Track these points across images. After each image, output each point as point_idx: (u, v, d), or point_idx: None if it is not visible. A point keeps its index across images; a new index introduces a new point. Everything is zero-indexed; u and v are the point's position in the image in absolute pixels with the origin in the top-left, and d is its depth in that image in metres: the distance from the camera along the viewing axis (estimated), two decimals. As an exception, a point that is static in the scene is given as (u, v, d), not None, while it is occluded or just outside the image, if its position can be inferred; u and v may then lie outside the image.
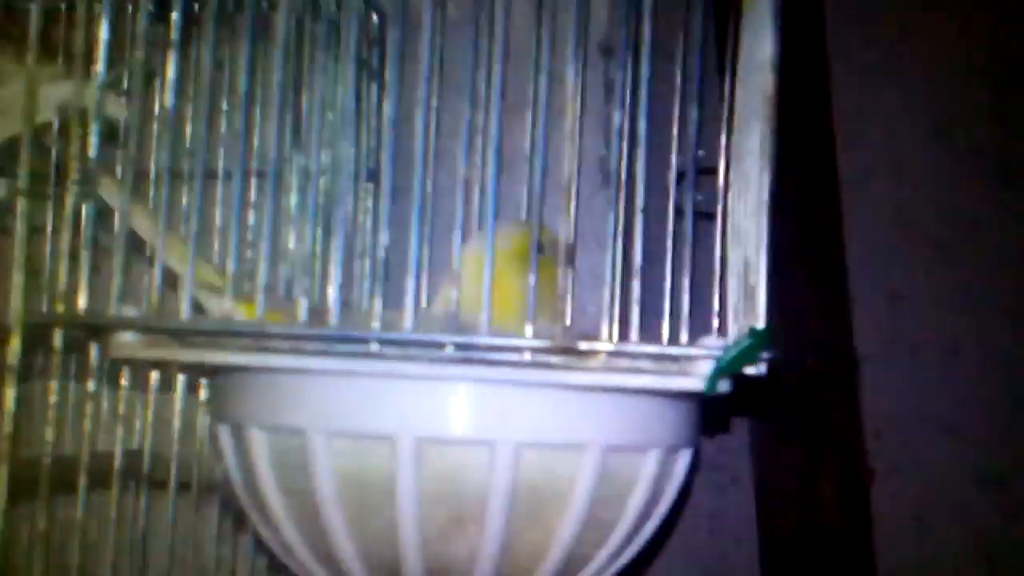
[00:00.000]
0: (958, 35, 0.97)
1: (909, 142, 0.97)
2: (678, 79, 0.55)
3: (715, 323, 0.53)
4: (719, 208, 0.56)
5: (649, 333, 0.50)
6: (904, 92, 0.96)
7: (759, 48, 0.50)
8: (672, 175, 0.58)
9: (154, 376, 0.62)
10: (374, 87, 0.75)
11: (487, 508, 0.52)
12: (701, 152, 0.57)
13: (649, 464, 0.54)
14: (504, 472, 0.51)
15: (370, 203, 0.72)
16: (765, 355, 0.47)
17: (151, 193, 0.61)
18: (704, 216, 0.55)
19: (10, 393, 0.47)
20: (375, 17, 0.75)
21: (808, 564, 0.93)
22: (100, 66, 0.51)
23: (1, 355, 0.50)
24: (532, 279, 0.50)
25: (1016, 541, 0.96)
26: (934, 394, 0.96)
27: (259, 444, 0.54)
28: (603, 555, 0.56)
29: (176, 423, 0.60)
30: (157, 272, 0.52)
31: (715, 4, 0.57)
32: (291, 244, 0.64)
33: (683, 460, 0.57)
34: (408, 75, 0.61)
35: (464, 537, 0.53)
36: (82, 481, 0.51)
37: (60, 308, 0.50)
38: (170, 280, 0.52)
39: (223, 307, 0.51)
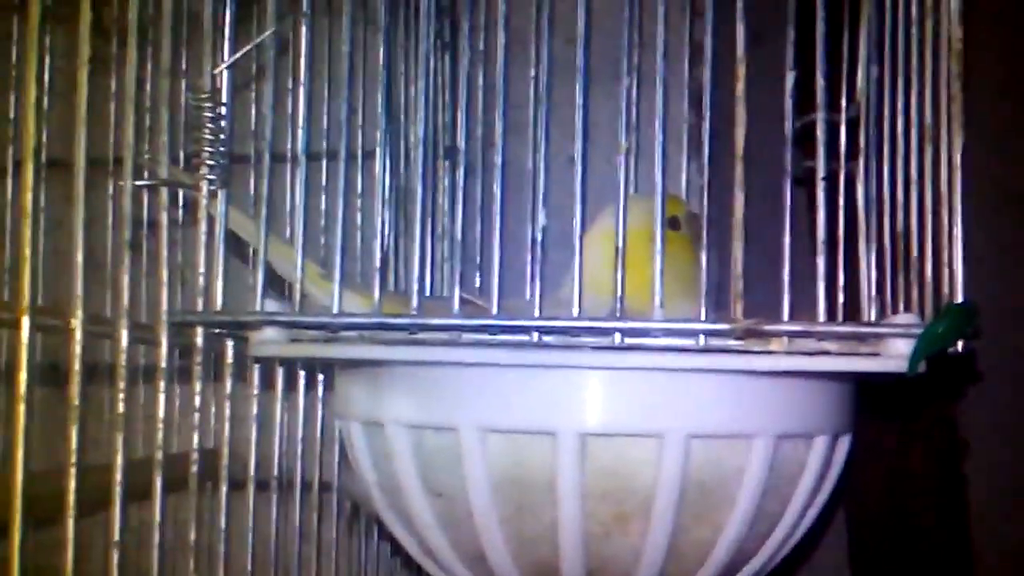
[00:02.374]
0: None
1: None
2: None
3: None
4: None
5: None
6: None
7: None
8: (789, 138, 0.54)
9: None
10: (447, 59, 0.71)
11: (653, 504, 0.49)
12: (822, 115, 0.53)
13: (816, 452, 0.51)
14: (673, 465, 0.48)
15: (447, 181, 0.68)
16: (969, 332, 0.44)
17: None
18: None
19: (161, 396, 0.44)
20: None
21: (899, 540, 0.91)
22: (227, 45, 0.48)
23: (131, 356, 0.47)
24: (703, 256, 0.46)
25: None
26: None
27: (402, 442, 0.50)
28: (767, 549, 0.53)
29: (300, 422, 0.56)
30: (260, 271, 0.48)
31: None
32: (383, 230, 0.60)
33: (844, 446, 0.54)
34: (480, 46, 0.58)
35: (627, 535, 0.49)
36: (224, 483, 0.48)
37: (200, 306, 0.46)
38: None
39: (339, 300, 0.47)
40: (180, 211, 0.59)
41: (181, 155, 0.54)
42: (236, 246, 0.53)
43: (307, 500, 0.58)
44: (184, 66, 0.54)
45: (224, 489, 0.48)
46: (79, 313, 0.40)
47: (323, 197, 0.60)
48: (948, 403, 0.92)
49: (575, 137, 0.47)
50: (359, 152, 0.55)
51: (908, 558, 0.90)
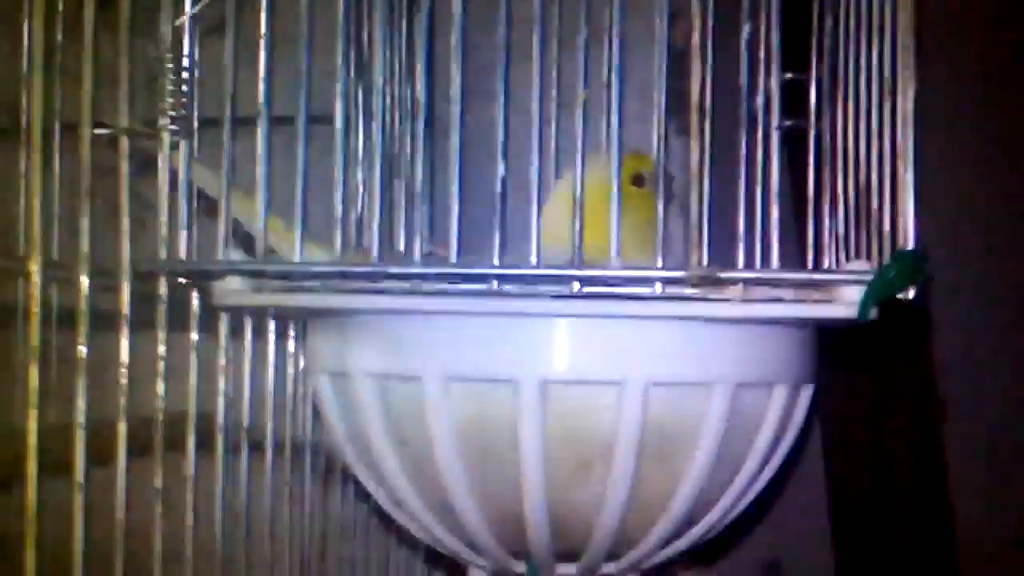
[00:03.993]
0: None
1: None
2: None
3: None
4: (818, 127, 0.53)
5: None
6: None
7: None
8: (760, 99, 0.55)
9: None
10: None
11: (614, 450, 0.49)
12: (788, 75, 0.54)
13: (776, 401, 0.52)
14: (633, 412, 0.49)
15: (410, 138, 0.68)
16: (918, 278, 0.44)
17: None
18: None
19: (124, 344, 0.44)
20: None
21: (880, 504, 0.91)
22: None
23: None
24: (661, 208, 0.47)
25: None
26: (1003, 329, 0.94)
27: (368, 392, 0.51)
28: (727, 499, 0.53)
29: (270, 376, 0.57)
30: (224, 220, 0.49)
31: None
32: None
33: (806, 396, 0.54)
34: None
35: (590, 482, 0.50)
36: (191, 439, 0.48)
37: (163, 256, 0.47)
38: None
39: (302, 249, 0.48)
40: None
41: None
42: (203, 204, 0.53)
43: (280, 456, 0.59)
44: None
45: (191, 443, 0.49)
46: (37, 257, 0.41)
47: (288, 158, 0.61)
48: (926, 364, 0.93)
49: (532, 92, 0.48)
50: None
51: (888, 522, 0.91)
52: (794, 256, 0.51)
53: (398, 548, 0.67)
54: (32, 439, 0.40)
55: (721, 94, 0.47)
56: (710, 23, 0.47)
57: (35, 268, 0.41)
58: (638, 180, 0.59)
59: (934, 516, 0.92)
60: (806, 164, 0.52)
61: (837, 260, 0.52)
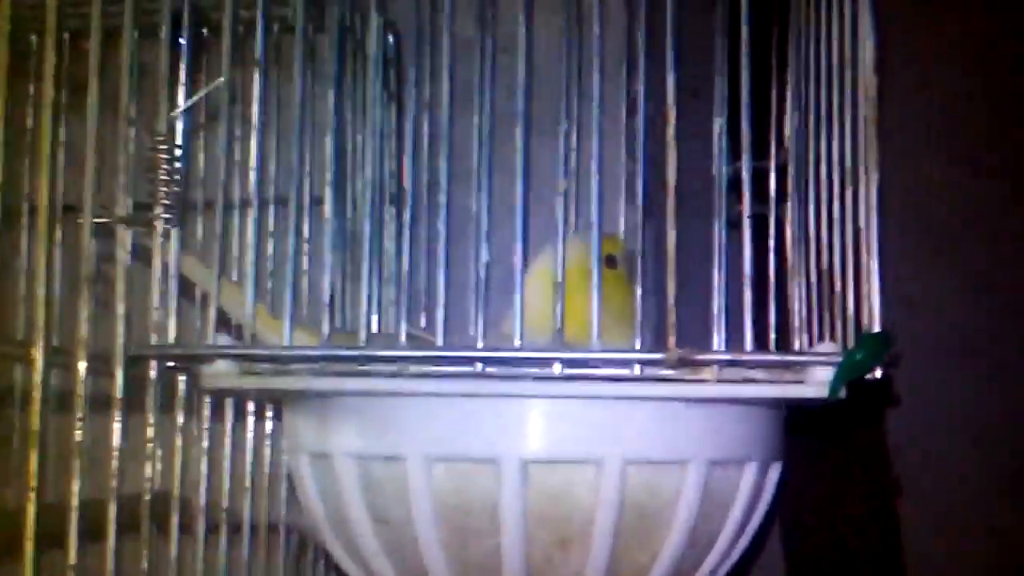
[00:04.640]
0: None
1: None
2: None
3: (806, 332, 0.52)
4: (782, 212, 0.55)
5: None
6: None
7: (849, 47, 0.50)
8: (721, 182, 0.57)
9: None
10: (393, 108, 0.74)
11: (593, 528, 0.51)
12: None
13: (747, 477, 0.53)
14: (611, 490, 0.50)
15: (394, 227, 0.70)
16: (884, 359, 0.47)
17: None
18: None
19: (117, 427, 0.45)
20: (391, 38, 0.73)
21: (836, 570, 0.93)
22: (182, 91, 0.50)
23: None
24: (638, 291, 0.49)
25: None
26: (953, 403, 0.96)
27: (348, 472, 0.52)
28: (701, 574, 0.55)
29: (248, 459, 0.58)
30: (213, 306, 0.50)
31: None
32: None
33: (775, 473, 0.56)
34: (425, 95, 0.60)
35: (569, 561, 0.51)
36: (174, 519, 0.49)
37: (154, 339, 0.48)
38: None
39: (290, 334, 0.49)
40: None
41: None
42: (183, 288, 0.54)
43: (256, 536, 0.59)
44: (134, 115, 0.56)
45: (175, 520, 0.50)
46: (40, 343, 0.42)
47: (271, 243, 0.62)
48: (881, 442, 0.95)
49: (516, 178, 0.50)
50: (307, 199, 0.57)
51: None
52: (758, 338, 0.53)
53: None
54: (31, 520, 0.41)
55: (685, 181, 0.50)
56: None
57: (38, 355, 0.42)
58: (610, 261, 0.61)
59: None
60: (767, 250, 0.54)
61: (799, 342, 0.54)
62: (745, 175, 0.49)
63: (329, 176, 0.50)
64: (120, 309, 0.46)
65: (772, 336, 0.50)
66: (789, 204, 0.56)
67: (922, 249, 0.96)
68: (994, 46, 0.98)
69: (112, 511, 0.44)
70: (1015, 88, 0.98)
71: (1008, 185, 0.97)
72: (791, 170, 0.56)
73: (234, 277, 0.56)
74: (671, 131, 0.48)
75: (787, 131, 0.58)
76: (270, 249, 0.61)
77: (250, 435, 0.58)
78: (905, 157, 0.95)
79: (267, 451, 0.60)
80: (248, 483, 0.57)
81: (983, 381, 0.96)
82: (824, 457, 0.94)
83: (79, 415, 0.43)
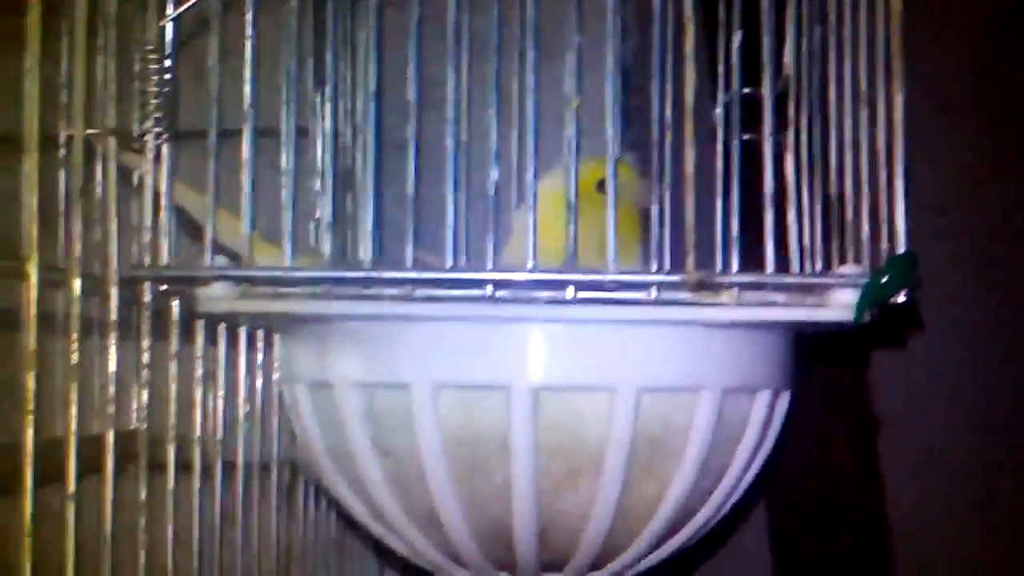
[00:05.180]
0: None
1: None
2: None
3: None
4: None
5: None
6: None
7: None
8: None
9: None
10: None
11: (604, 459, 0.49)
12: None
13: (759, 406, 0.52)
14: (624, 419, 0.49)
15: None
16: (911, 282, 0.45)
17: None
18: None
19: (112, 352, 0.43)
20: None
21: (820, 518, 0.93)
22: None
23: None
24: (655, 210, 0.47)
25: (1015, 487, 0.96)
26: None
27: (352, 402, 0.50)
28: (711, 504, 0.53)
29: (241, 388, 0.55)
30: (209, 226, 0.48)
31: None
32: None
33: (784, 403, 0.55)
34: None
35: (578, 491, 0.50)
36: (171, 452, 0.47)
37: (147, 261, 0.46)
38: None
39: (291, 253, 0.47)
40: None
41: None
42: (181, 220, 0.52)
43: (250, 471, 0.57)
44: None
45: (171, 450, 0.48)
46: (35, 260, 0.40)
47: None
48: (862, 381, 0.94)
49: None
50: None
51: (827, 533, 0.92)
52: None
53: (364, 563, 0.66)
54: (29, 446, 0.39)
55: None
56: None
57: (32, 270, 0.39)
58: (601, 186, 0.59)
59: (871, 526, 0.93)
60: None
61: (813, 266, 0.52)
62: (768, 91, 0.47)
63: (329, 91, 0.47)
64: (112, 226, 0.44)
65: (794, 260, 0.48)
66: (791, 133, 0.54)
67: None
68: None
69: (110, 439, 0.42)
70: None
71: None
72: (793, 96, 0.55)
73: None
74: (690, 44, 0.46)
75: (786, 57, 0.56)
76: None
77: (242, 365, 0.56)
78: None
79: (259, 382, 0.58)
80: (242, 415, 0.55)
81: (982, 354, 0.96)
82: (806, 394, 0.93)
83: (74, 336, 0.41)
